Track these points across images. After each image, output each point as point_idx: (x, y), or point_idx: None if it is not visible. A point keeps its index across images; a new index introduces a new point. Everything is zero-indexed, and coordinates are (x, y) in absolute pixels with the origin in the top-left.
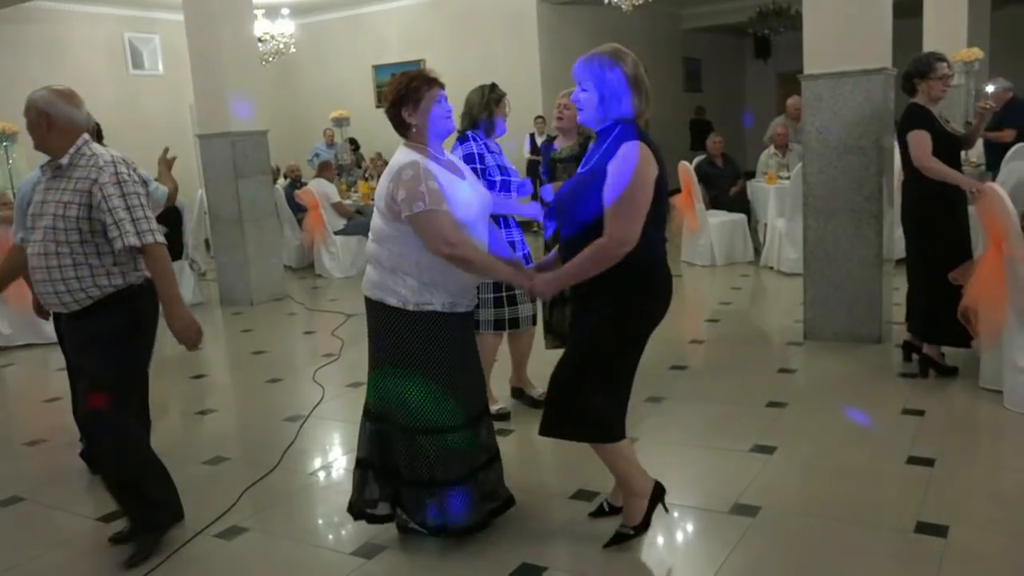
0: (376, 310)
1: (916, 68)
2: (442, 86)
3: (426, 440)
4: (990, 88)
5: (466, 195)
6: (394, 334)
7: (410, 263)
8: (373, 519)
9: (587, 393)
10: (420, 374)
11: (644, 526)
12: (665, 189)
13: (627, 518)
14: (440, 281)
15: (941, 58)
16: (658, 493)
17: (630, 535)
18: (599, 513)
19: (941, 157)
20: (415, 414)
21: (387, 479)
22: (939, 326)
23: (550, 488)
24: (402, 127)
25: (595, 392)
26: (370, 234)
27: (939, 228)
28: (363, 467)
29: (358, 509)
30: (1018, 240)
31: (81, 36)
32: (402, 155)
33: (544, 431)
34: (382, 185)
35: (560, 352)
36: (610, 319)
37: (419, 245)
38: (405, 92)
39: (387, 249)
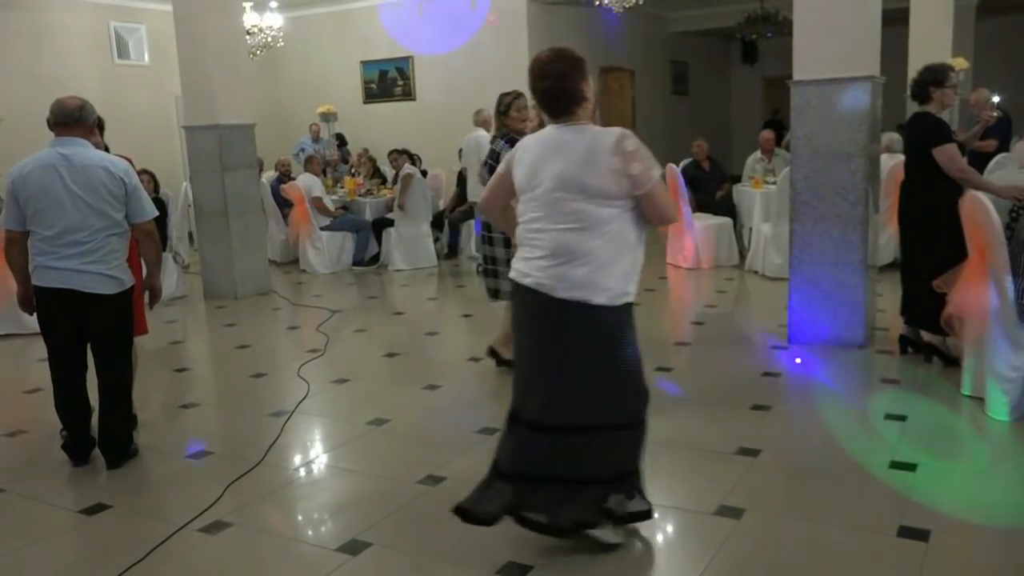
0: (571, 311)
1: (933, 77)
2: None
3: (631, 433)
4: (996, 98)
5: None
6: (596, 333)
7: (627, 244)
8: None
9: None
10: (628, 370)
11: None
12: None
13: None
14: (640, 261)
15: (952, 68)
16: None
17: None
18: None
19: None
20: (628, 410)
21: (557, 486)
22: (917, 310)
23: None
24: (575, 100)
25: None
26: (571, 231)
27: (938, 232)
28: (505, 479)
29: (474, 516)
30: (1001, 249)
31: (66, 24)
32: (573, 131)
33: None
34: (576, 167)
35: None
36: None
37: (634, 221)
38: (584, 66)
39: (605, 236)
